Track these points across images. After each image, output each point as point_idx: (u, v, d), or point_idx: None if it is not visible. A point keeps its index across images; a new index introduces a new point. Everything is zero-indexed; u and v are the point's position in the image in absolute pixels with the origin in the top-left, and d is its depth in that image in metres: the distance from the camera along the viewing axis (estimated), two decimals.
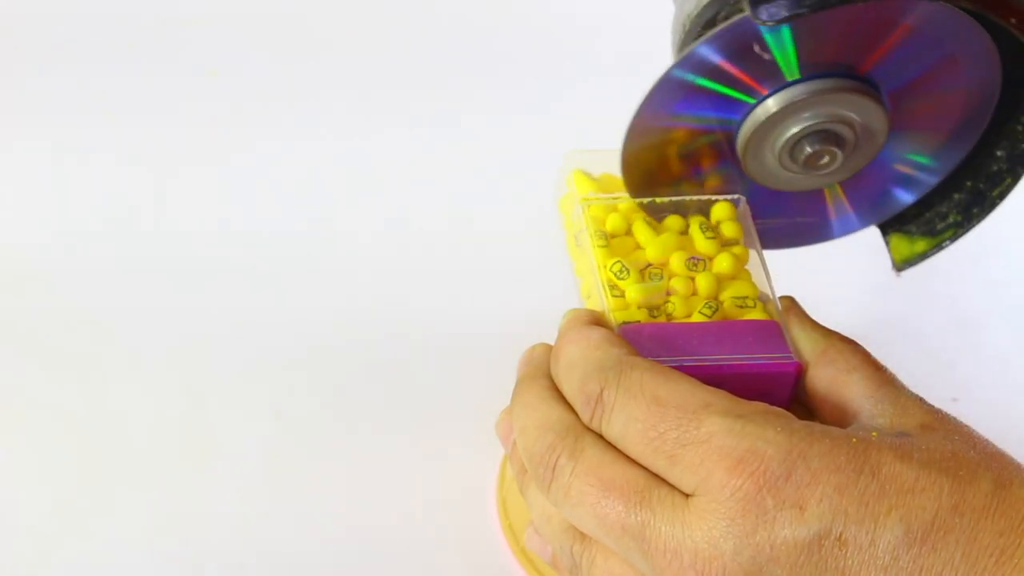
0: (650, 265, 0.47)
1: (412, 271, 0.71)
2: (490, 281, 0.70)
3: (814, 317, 0.46)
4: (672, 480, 0.39)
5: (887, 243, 0.50)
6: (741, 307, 0.45)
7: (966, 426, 0.41)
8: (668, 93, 0.44)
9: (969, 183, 0.48)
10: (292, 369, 0.67)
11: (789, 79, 0.44)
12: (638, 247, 0.47)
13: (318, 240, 0.73)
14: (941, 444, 0.39)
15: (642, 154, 0.46)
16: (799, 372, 0.44)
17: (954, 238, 0.49)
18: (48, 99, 0.81)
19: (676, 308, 0.45)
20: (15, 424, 0.64)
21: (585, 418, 0.41)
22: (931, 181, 0.49)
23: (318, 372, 0.66)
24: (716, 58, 0.43)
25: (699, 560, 0.37)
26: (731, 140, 0.46)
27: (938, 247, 0.49)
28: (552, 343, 0.45)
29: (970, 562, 0.36)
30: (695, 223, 0.47)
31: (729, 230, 0.48)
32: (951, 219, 0.49)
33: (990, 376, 0.67)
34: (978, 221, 0.48)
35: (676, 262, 0.46)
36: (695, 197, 0.48)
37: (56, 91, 0.82)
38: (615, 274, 0.46)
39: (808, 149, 0.45)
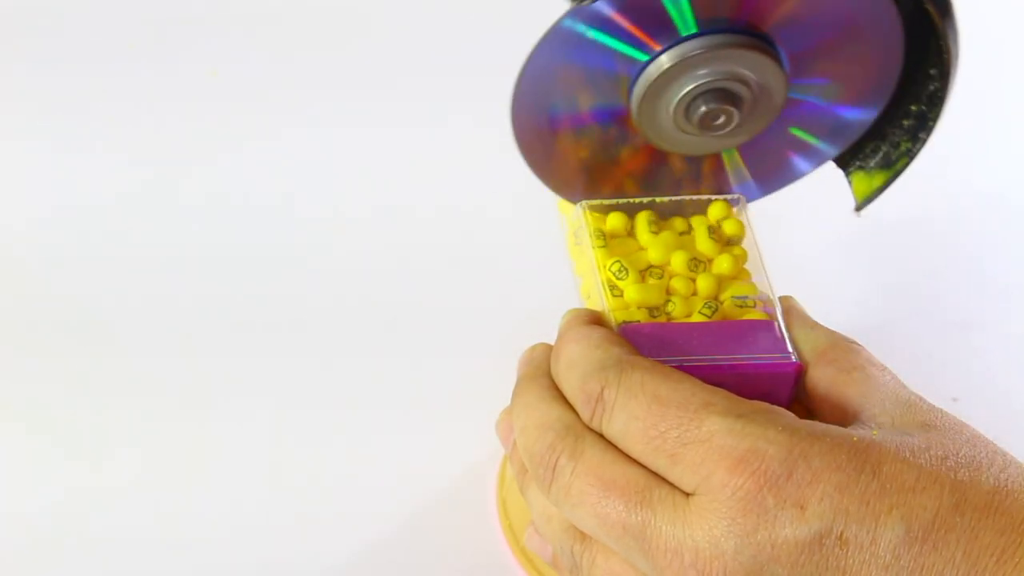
0: (650, 265, 0.47)
1: (411, 271, 0.71)
2: (490, 280, 0.70)
3: (814, 317, 0.46)
4: (673, 479, 0.39)
5: (849, 183, 0.49)
6: (741, 307, 0.45)
7: (967, 425, 0.40)
8: (559, 47, 0.42)
9: (913, 107, 0.47)
10: (291, 368, 0.67)
11: (684, 34, 0.43)
12: (638, 247, 0.47)
13: (318, 240, 0.73)
14: (942, 443, 0.39)
15: (532, 113, 0.45)
16: (799, 372, 0.44)
17: (906, 166, 0.47)
18: (48, 99, 0.82)
19: (676, 308, 0.45)
20: (12, 423, 0.64)
21: (585, 417, 0.41)
22: (830, 152, 0.48)
23: (318, 371, 0.66)
24: (608, 10, 0.42)
25: (700, 559, 0.37)
26: (625, 98, 0.45)
27: (894, 177, 0.47)
28: (552, 343, 0.45)
29: (971, 561, 0.36)
30: (700, 224, 0.47)
31: (730, 229, 0.48)
32: (903, 147, 0.47)
33: (990, 376, 0.67)
34: (923, 144, 0.47)
35: (676, 262, 0.46)
36: (694, 197, 0.49)
37: (56, 91, 0.82)
38: (615, 274, 0.46)
39: (703, 108, 0.44)
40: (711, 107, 0.44)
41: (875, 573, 0.36)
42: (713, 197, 0.48)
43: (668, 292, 0.46)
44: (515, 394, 0.44)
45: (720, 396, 0.39)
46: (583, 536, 0.41)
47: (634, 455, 0.40)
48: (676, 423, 0.39)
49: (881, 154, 0.48)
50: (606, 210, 0.48)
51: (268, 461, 0.62)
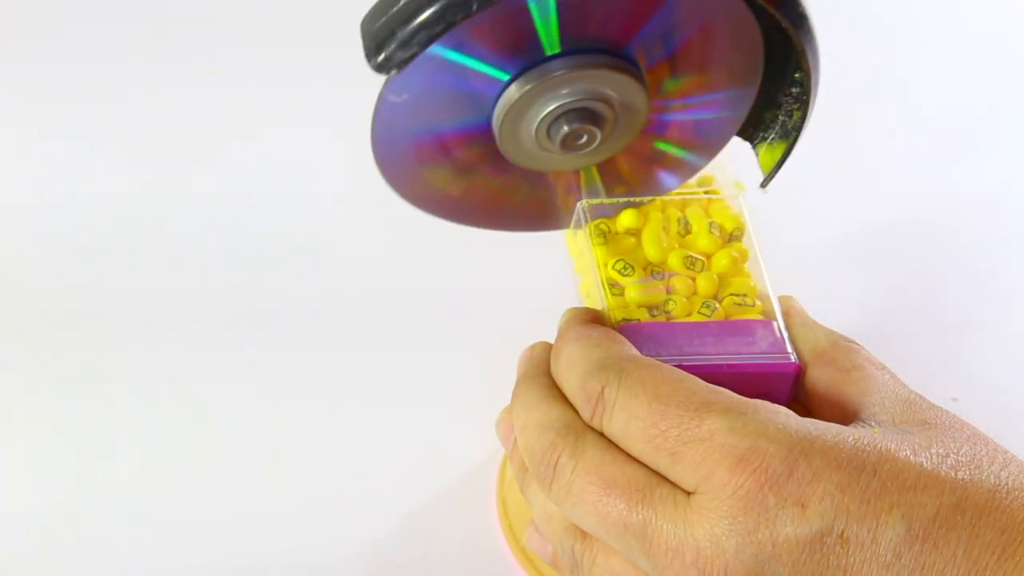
0: (650, 264, 0.47)
1: (411, 270, 0.71)
2: (490, 279, 0.70)
3: (814, 317, 0.46)
4: (674, 478, 0.39)
5: (756, 157, 0.48)
6: (740, 306, 0.45)
7: (967, 423, 0.40)
8: (421, 69, 0.42)
9: (798, 74, 0.46)
10: (291, 368, 0.67)
11: (548, 54, 0.42)
12: (638, 246, 0.47)
13: (319, 240, 0.73)
14: (943, 441, 0.39)
15: (394, 135, 0.44)
16: (798, 372, 0.44)
17: (800, 132, 0.46)
18: (48, 100, 0.82)
19: (675, 307, 0.45)
20: (13, 418, 0.64)
21: (586, 416, 0.41)
22: (699, 163, 0.48)
23: (317, 371, 0.66)
24: (470, 31, 0.41)
25: (701, 558, 0.37)
26: (488, 119, 0.45)
27: (792, 145, 0.47)
28: (552, 341, 0.45)
29: (972, 559, 0.36)
30: (702, 222, 0.47)
31: (730, 228, 0.48)
32: (796, 115, 0.46)
33: (990, 376, 0.67)
34: (810, 108, 0.46)
35: (676, 261, 0.46)
36: (694, 196, 0.49)
37: (56, 92, 0.82)
38: (614, 272, 0.46)
39: (565, 128, 0.44)
40: (573, 127, 0.44)
41: (876, 572, 0.36)
42: (716, 196, 0.48)
43: (668, 291, 0.46)
44: (515, 393, 0.44)
45: (721, 394, 0.39)
46: (584, 535, 0.41)
47: (635, 454, 0.39)
48: (676, 422, 0.39)
49: (779, 124, 0.47)
50: (606, 209, 0.48)
51: (268, 460, 0.62)
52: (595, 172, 0.48)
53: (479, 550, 0.59)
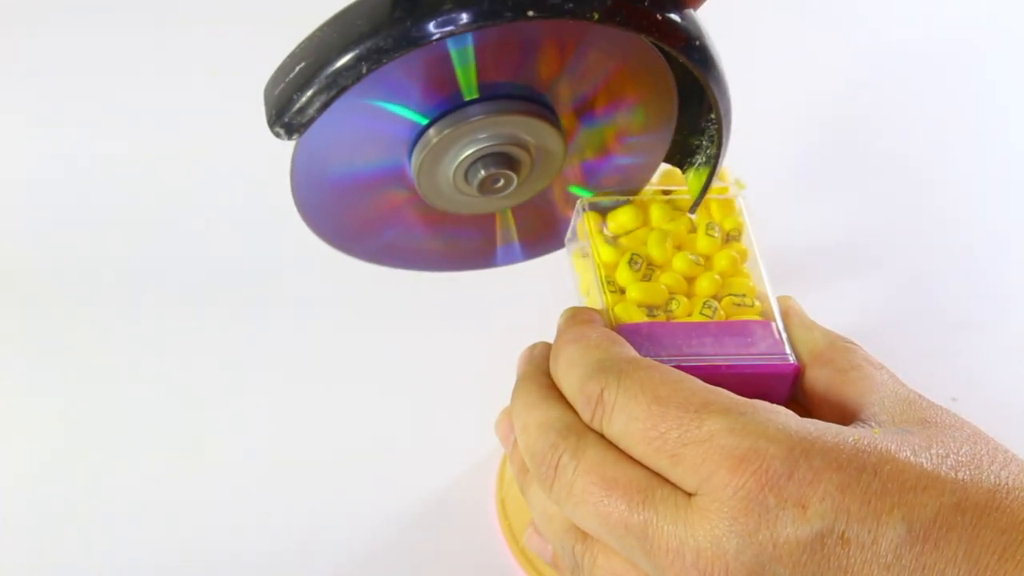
0: (650, 264, 0.47)
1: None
2: (489, 279, 0.70)
3: (813, 317, 0.46)
4: (674, 480, 0.39)
5: (688, 183, 0.48)
6: (740, 306, 0.45)
7: (967, 422, 0.40)
8: (340, 113, 0.42)
9: (713, 107, 0.46)
10: (290, 368, 0.67)
11: (466, 99, 0.43)
12: (638, 245, 0.47)
13: (317, 240, 0.73)
14: (943, 441, 0.39)
15: (312, 176, 0.45)
16: (796, 373, 0.44)
17: (718, 161, 0.46)
18: (47, 100, 0.82)
19: (675, 307, 0.45)
20: (7, 419, 0.64)
21: (586, 418, 0.41)
22: (614, 206, 0.48)
23: (317, 371, 0.66)
24: (390, 76, 0.41)
25: (702, 559, 0.37)
26: (405, 162, 0.45)
27: (715, 169, 0.47)
28: (551, 341, 0.45)
29: (972, 559, 0.36)
30: (700, 223, 0.47)
31: (729, 228, 0.48)
32: (712, 147, 0.46)
33: (990, 376, 0.67)
34: (724, 142, 0.46)
35: (676, 261, 0.46)
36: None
37: (56, 92, 0.82)
38: (614, 272, 0.46)
39: (482, 172, 0.44)
40: (491, 171, 0.44)
41: (877, 572, 0.36)
42: (717, 197, 0.48)
43: (667, 291, 0.46)
44: (515, 393, 0.44)
45: (720, 395, 0.39)
46: (585, 536, 0.41)
47: (635, 455, 0.39)
48: (676, 423, 0.39)
49: (704, 150, 0.47)
50: (607, 208, 0.48)
51: (267, 460, 0.62)
52: (510, 216, 0.49)
53: (479, 550, 0.59)
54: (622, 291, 0.46)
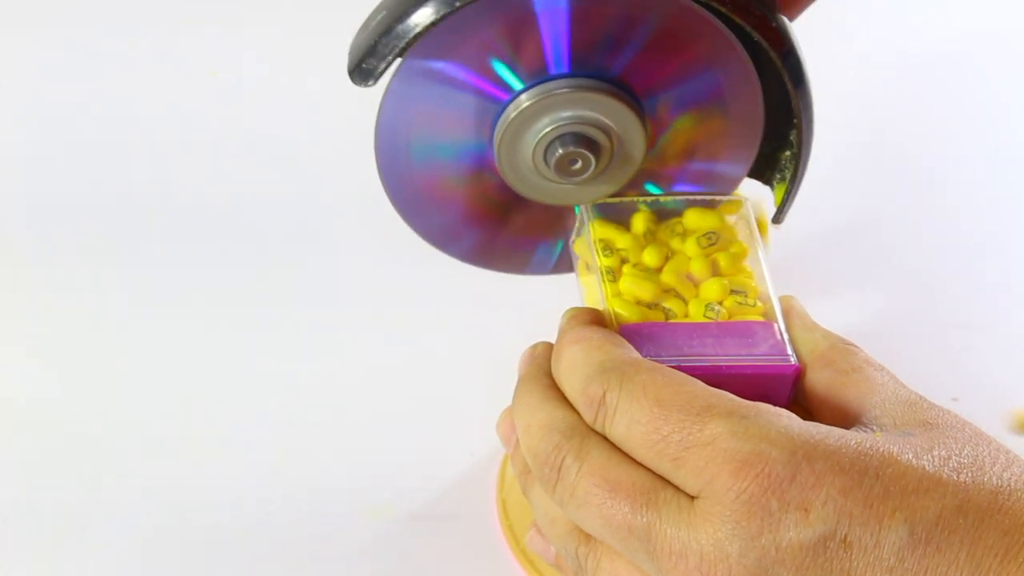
0: (651, 265, 0.47)
1: (410, 269, 0.71)
2: (489, 279, 0.70)
3: (814, 317, 0.46)
4: (677, 483, 0.39)
5: (774, 196, 0.49)
6: (741, 306, 0.45)
7: (969, 423, 0.40)
8: (419, 84, 0.42)
9: (796, 119, 0.47)
10: (290, 367, 0.67)
11: (553, 72, 0.43)
12: (640, 247, 0.47)
13: (319, 240, 0.73)
14: (944, 443, 0.39)
15: (395, 155, 0.45)
16: (797, 374, 0.44)
17: (799, 170, 0.47)
18: (47, 101, 0.81)
19: (676, 308, 0.45)
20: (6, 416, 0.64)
21: (588, 420, 0.41)
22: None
23: (317, 371, 0.66)
24: (476, 45, 0.42)
25: (705, 562, 0.37)
26: (488, 143, 0.45)
27: (793, 184, 0.48)
28: (553, 341, 0.45)
29: (975, 562, 0.36)
30: (692, 240, 0.47)
31: (731, 229, 0.48)
32: (791, 153, 0.47)
33: (990, 376, 0.67)
34: (806, 150, 0.47)
35: (677, 262, 0.46)
36: (696, 196, 0.48)
37: (55, 92, 0.82)
38: (615, 273, 0.46)
39: (560, 150, 0.44)
40: (568, 150, 0.44)
41: None
42: (720, 197, 0.48)
43: (668, 291, 0.46)
44: (517, 394, 0.44)
45: (723, 398, 0.39)
46: (588, 538, 0.41)
47: (638, 458, 0.39)
48: (679, 427, 0.39)
49: (791, 162, 0.48)
50: (608, 210, 0.48)
51: (267, 460, 0.62)
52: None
53: (479, 551, 0.59)
54: (623, 292, 0.46)
